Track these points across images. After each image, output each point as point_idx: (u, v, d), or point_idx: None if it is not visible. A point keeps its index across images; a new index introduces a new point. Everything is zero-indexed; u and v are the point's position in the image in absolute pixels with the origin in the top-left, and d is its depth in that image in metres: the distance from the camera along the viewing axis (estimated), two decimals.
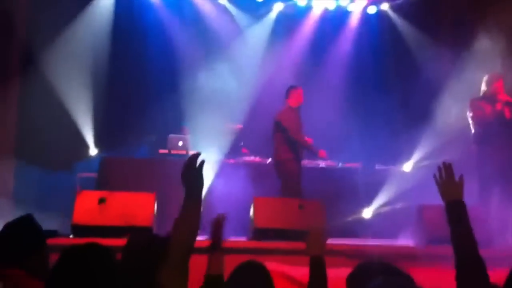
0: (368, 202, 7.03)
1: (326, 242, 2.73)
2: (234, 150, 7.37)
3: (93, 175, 6.96)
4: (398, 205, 6.64)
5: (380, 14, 9.38)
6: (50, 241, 2.86)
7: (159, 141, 7.48)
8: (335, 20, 9.31)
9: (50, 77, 7.66)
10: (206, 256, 2.84)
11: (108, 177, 6.74)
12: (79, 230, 5.02)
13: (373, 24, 9.38)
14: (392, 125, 8.32)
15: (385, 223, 6.49)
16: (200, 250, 2.62)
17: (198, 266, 2.66)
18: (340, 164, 7.61)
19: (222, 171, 6.73)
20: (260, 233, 5.55)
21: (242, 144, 7.56)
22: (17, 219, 2.78)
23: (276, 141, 6.62)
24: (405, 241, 5.85)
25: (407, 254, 5.05)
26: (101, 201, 5.25)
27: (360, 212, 6.95)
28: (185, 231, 2.11)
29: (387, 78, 8.90)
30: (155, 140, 7.67)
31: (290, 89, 6.69)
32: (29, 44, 7.83)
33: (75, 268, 2.06)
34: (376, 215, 6.88)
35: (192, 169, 2.17)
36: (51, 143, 7.51)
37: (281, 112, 6.63)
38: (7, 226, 2.74)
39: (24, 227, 2.74)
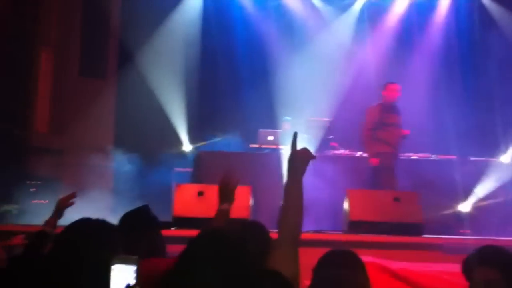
0: (465, 195, 6.78)
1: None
2: (324, 144, 7.36)
3: (188, 169, 7.19)
4: (498, 199, 6.36)
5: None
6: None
7: (249, 135, 7.61)
8: (422, 8, 9.04)
9: (145, 75, 8.00)
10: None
11: (202, 171, 6.94)
12: (180, 221, 5.22)
13: (463, 9, 9.00)
14: (487, 115, 7.98)
15: (485, 217, 6.26)
16: None
17: None
18: (433, 156, 7.40)
19: (312, 165, 6.74)
20: (355, 226, 5.52)
21: (331, 137, 7.53)
22: (137, 208, 2.92)
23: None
24: (508, 236, 5.62)
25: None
26: (200, 193, 5.43)
27: (457, 205, 6.72)
28: (291, 214, 2.15)
29: (479, 66, 8.54)
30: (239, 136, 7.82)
31: (385, 85, 6.74)
32: (125, 43, 8.21)
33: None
34: (475, 209, 6.63)
35: (297, 152, 2.22)
36: (147, 138, 7.85)
37: (370, 106, 6.72)
38: (127, 215, 2.88)
39: (143, 216, 2.88)
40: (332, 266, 2.44)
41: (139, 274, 1.89)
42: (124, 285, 1.87)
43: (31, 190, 6.31)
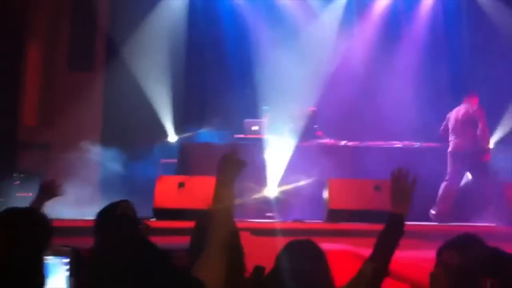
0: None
1: (410, 199, 2.50)
2: (308, 133, 7.39)
3: (173, 161, 7.23)
4: (478, 185, 6.39)
5: None
6: None
7: (235, 126, 7.65)
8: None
9: (132, 67, 8.02)
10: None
11: (187, 162, 6.98)
12: (161, 213, 5.27)
13: (448, 3, 8.97)
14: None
15: (463, 203, 6.31)
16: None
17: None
18: (418, 144, 7.43)
19: (296, 154, 6.79)
20: (334, 215, 5.57)
21: (316, 126, 7.57)
22: (115, 203, 2.91)
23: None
24: (487, 221, 5.67)
25: (489, 235, 4.90)
26: (181, 185, 5.48)
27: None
28: (219, 218, 2.12)
29: (464, 56, 8.53)
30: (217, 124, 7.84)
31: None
32: (113, 35, 8.23)
33: None
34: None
35: (231, 158, 2.23)
36: (134, 130, 7.89)
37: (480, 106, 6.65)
38: (103, 212, 2.88)
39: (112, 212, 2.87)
40: (291, 256, 2.50)
41: (73, 266, 1.93)
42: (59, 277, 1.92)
43: (15, 183, 6.36)
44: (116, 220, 2.81)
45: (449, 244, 2.39)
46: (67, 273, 2.17)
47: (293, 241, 2.58)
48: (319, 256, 2.52)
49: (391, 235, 2.47)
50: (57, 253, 2.21)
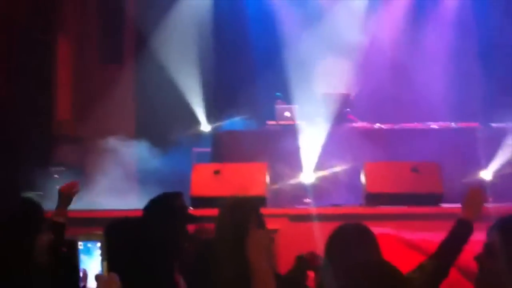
0: (487, 163, 6.68)
1: (482, 208, 2.54)
2: (341, 117, 7.33)
3: (207, 149, 7.26)
4: None
5: None
6: None
7: (266, 113, 7.63)
8: None
9: (161, 58, 8.06)
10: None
11: (221, 150, 7.00)
12: (197, 201, 5.29)
13: None
14: (506, 80, 7.82)
15: (507, 185, 6.16)
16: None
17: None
18: (453, 124, 7.30)
19: (329, 139, 6.74)
20: (372, 198, 5.51)
21: (348, 110, 7.49)
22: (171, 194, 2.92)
23: None
24: None
25: None
26: (216, 172, 5.49)
27: (479, 174, 6.63)
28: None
29: (496, 31, 8.31)
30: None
31: None
32: (140, 26, 8.27)
33: None
34: (497, 177, 6.53)
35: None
36: (166, 121, 7.93)
37: None
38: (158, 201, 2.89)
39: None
40: (343, 240, 2.47)
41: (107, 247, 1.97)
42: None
43: (55, 176, 6.46)
44: (173, 211, 2.83)
45: (494, 225, 2.35)
46: (100, 257, 2.25)
47: (343, 225, 2.55)
48: (372, 239, 2.49)
49: (458, 238, 2.48)
50: (90, 238, 2.30)
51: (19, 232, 2.13)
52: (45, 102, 7.85)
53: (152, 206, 2.85)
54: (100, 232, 2.20)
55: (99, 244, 2.25)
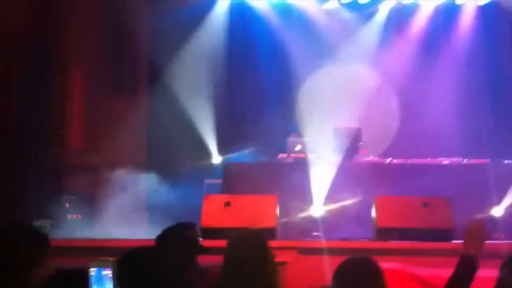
0: (498, 199, 6.64)
1: (484, 242, 2.62)
2: (352, 151, 7.34)
3: (218, 181, 7.27)
4: None
5: (493, 4, 8.82)
6: None
7: (277, 145, 7.67)
8: (447, 12, 8.94)
9: (174, 89, 8.16)
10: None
11: (232, 182, 7.00)
12: (208, 232, 5.28)
13: (489, 13, 8.84)
14: None
15: None
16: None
17: None
18: (465, 160, 7.29)
19: (340, 172, 6.74)
20: (383, 233, 5.47)
21: (360, 144, 7.51)
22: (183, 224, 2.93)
23: None
24: None
25: None
26: (227, 204, 5.49)
27: (490, 210, 6.58)
28: None
29: (507, 67, 8.37)
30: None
31: None
32: (154, 59, 8.40)
33: None
34: (508, 213, 6.47)
35: None
36: (178, 152, 7.98)
37: None
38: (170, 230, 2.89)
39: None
40: (350, 274, 2.48)
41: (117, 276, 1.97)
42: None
43: (66, 205, 6.49)
44: (182, 241, 2.83)
45: (506, 261, 2.35)
46: (111, 284, 2.24)
47: (351, 258, 2.56)
48: (378, 275, 2.50)
49: (465, 274, 2.54)
50: (101, 265, 2.30)
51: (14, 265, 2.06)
52: (58, 131, 7.94)
53: (165, 235, 2.86)
54: (112, 258, 2.20)
55: (110, 272, 2.24)
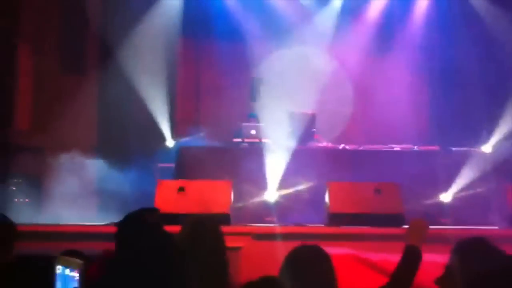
0: (447, 185, 6.84)
1: (426, 234, 2.76)
2: (307, 136, 7.38)
3: (171, 165, 7.17)
4: (479, 188, 6.41)
5: None
6: None
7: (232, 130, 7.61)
8: (401, 2, 9.06)
9: (126, 70, 7.95)
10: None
11: (185, 166, 6.92)
12: (161, 218, 5.19)
13: (441, 3, 9.01)
14: (468, 105, 8.05)
15: (466, 207, 6.31)
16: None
17: None
18: (415, 147, 7.45)
19: (294, 158, 6.77)
20: (335, 218, 5.54)
21: (314, 130, 7.55)
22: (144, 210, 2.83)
23: None
24: (488, 224, 5.67)
25: (492, 238, 4.89)
26: (180, 189, 5.42)
27: (439, 196, 6.76)
28: None
29: (460, 57, 8.58)
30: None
31: None
32: (105, 38, 8.14)
33: None
34: (456, 199, 6.67)
35: None
36: (130, 134, 7.81)
37: None
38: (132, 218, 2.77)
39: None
40: (298, 262, 2.50)
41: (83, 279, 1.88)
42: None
43: (12, 188, 6.27)
44: (148, 228, 2.73)
45: (454, 248, 2.41)
46: (77, 286, 2.13)
47: (299, 247, 2.58)
48: (326, 262, 2.53)
49: (409, 264, 2.66)
50: (68, 264, 2.17)
51: None
52: (3, 110, 7.64)
53: (128, 221, 2.77)
54: (80, 261, 2.08)
55: (77, 275, 2.09)
